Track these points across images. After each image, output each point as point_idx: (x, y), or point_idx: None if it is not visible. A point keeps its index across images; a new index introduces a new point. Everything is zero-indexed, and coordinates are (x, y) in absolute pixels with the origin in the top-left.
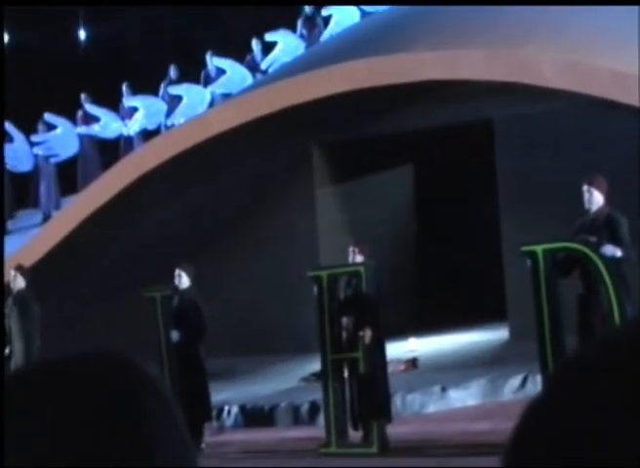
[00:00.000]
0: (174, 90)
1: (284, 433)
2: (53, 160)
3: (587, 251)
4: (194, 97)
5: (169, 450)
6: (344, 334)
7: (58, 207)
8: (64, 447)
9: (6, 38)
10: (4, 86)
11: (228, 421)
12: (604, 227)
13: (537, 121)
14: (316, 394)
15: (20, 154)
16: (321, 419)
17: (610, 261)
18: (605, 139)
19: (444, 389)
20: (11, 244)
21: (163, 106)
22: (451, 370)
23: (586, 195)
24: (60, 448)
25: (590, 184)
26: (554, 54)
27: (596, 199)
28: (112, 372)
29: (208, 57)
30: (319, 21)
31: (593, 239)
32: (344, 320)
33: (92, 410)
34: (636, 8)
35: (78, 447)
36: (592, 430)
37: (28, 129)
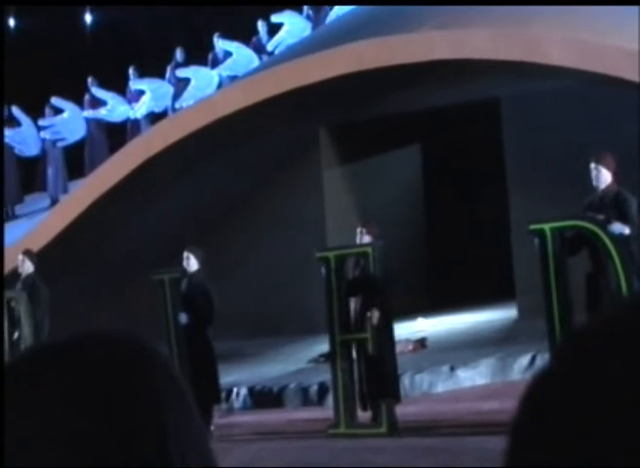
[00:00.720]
0: (181, 72)
1: (293, 414)
2: (60, 144)
3: (595, 228)
4: (202, 80)
5: (181, 430)
6: (353, 315)
7: (65, 191)
8: (74, 429)
9: (12, 22)
10: (4, 81)
11: (237, 403)
12: (612, 205)
13: (544, 99)
14: (325, 375)
15: (27, 138)
16: (330, 400)
17: (618, 239)
18: (613, 117)
19: (453, 369)
20: (19, 228)
21: (170, 89)
22: (459, 350)
23: (594, 173)
24: (69, 430)
25: (598, 162)
26: (562, 32)
27: (604, 177)
28: (122, 352)
29: (215, 39)
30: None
31: (601, 217)
32: (352, 301)
33: (102, 390)
34: None
35: (88, 428)
36: (600, 401)
37: (36, 113)
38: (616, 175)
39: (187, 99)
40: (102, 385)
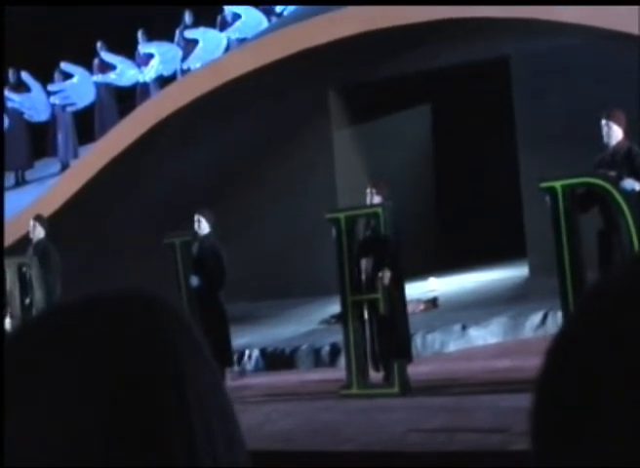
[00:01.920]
0: (190, 33)
1: (305, 375)
2: (70, 109)
3: (607, 185)
4: (210, 42)
5: (198, 382)
6: (364, 276)
7: (75, 156)
8: (93, 389)
9: None
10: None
11: (249, 365)
12: (624, 161)
13: (553, 56)
14: (336, 336)
15: (37, 104)
16: (342, 361)
17: (630, 195)
18: (623, 73)
19: (464, 328)
20: (29, 193)
21: (178, 52)
22: (471, 309)
23: (605, 129)
24: (87, 391)
25: (609, 118)
26: None
27: (615, 133)
28: (141, 309)
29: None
30: None
31: (613, 173)
32: (363, 261)
33: (120, 345)
34: None
35: (105, 383)
36: (622, 356)
37: (45, 78)
38: (627, 132)
39: (195, 61)
40: (120, 340)
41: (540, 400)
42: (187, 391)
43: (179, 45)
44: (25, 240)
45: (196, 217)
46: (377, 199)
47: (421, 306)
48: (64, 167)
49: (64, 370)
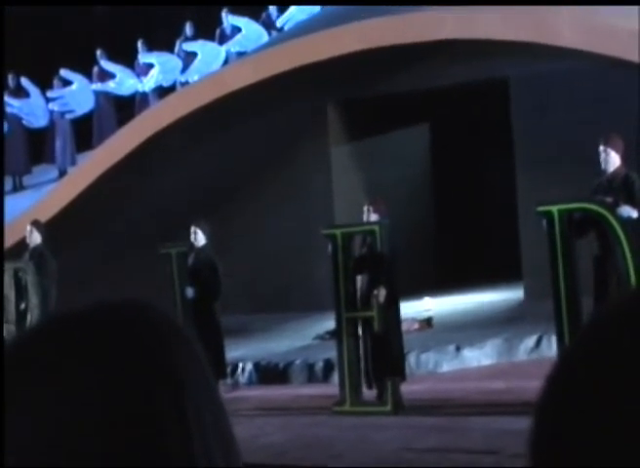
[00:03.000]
0: (188, 46)
1: (298, 390)
2: (68, 116)
3: (604, 211)
4: (209, 54)
5: (198, 396)
6: (359, 293)
7: (73, 163)
8: (91, 400)
9: None
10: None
11: (243, 378)
12: (621, 188)
13: (553, 80)
14: (331, 352)
15: (35, 109)
16: (335, 377)
17: (626, 222)
18: (622, 99)
19: (459, 348)
20: (27, 199)
21: (178, 63)
22: (466, 330)
23: (603, 155)
24: (86, 403)
25: (607, 144)
26: (570, 13)
27: (613, 159)
28: (139, 319)
29: (224, 14)
30: None
31: (610, 200)
32: (359, 278)
33: (120, 359)
34: None
35: (108, 399)
36: (623, 385)
37: (44, 84)
38: (624, 158)
39: (193, 74)
40: (120, 350)
41: (540, 425)
42: (185, 400)
43: (179, 56)
44: (22, 245)
45: (192, 229)
46: (373, 216)
47: (416, 325)
48: (62, 173)
49: (65, 377)
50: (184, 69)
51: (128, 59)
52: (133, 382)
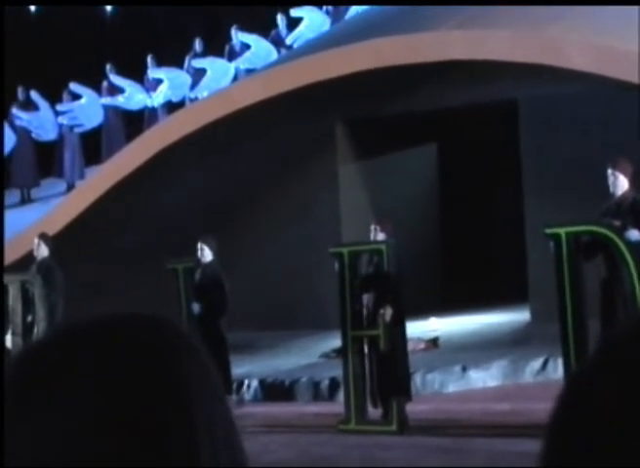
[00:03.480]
0: (197, 63)
1: (303, 408)
2: (77, 130)
3: (611, 234)
4: (218, 71)
5: (209, 411)
6: (365, 312)
7: (82, 176)
8: (96, 413)
9: (32, 7)
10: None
11: (248, 395)
12: (629, 211)
13: (561, 102)
14: (336, 370)
15: (45, 123)
16: (341, 396)
17: (634, 246)
18: (630, 122)
19: (464, 369)
20: (34, 212)
21: (187, 79)
22: (472, 351)
23: (611, 179)
24: (91, 415)
25: (615, 168)
26: (581, 36)
27: (621, 183)
28: (150, 331)
29: (233, 31)
30: None
31: (618, 223)
32: (365, 297)
33: (129, 372)
34: None
35: (118, 410)
36: (636, 407)
37: (53, 98)
38: (633, 181)
39: (202, 90)
40: (131, 362)
41: (551, 446)
42: (195, 413)
43: (188, 72)
44: (29, 258)
45: (199, 245)
46: (380, 236)
47: (422, 345)
48: (70, 187)
49: (72, 389)
50: (194, 85)
51: (137, 74)
52: (142, 396)
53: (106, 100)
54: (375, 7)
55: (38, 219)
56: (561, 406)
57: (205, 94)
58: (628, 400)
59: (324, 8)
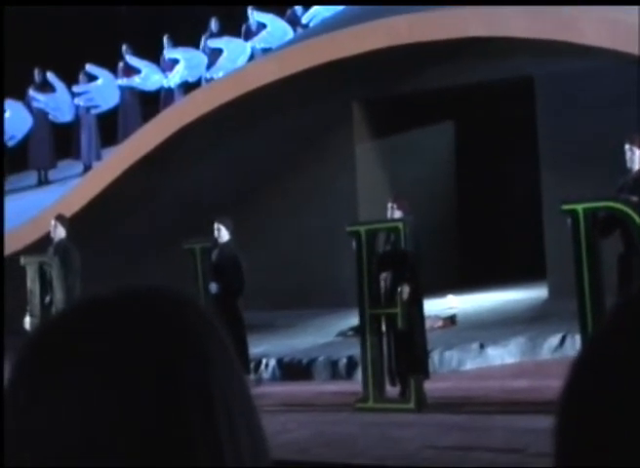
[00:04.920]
0: (213, 43)
1: (321, 387)
2: (94, 111)
3: (629, 210)
4: (234, 51)
5: (227, 390)
6: (383, 290)
7: (98, 158)
8: (122, 384)
9: None
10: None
11: (266, 374)
12: None
13: (578, 78)
14: (354, 349)
15: (61, 104)
16: (358, 374)
17: None
18: None
19: (482, 346)
20: (51, 193)
21: (204, 59)
22: (489, 328)
23: (628, 154)
24: (116, 386)
25: (632, 143)
26: (595, 12)
27: (638, 158)
28: (171, 307)
29: (249, 11)
30: None
31: (635, 199)
32: (383, 275)
33: (151, 346)
34: None
35: (137, 387)
36: None
37: (70, 79)
38: None
39: (218, 70)
40: (151, 338)
41: (564, 421)
42: (214, 391)
43: (204, 52)
44: (46, 239)
45: (216, 226)
46: (397, 214)
47: (440, 322)
48: (87, 168)
49: (96, 362)
50: (210, 65)
51: (153, 55)
52: (162, 372)
53: (123, 81)
54: None
55: (55, 201)
56: (572, 375)
57: (221, 74)
58: (636, 374)
59: None
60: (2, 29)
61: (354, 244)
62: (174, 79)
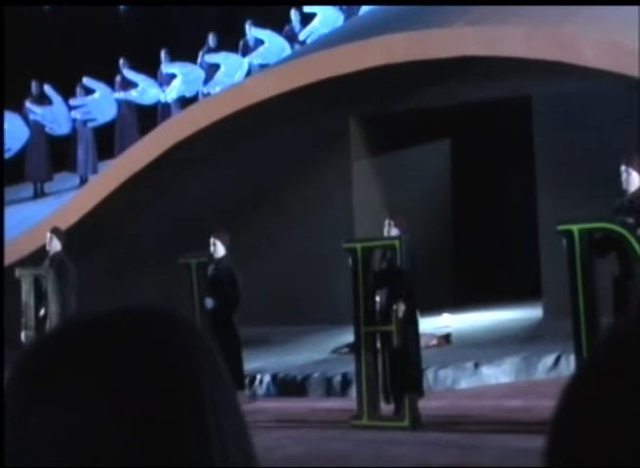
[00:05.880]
0: (211, 58)
1: (316, 403)
2: (90, 124)
3: (624, 232)
4: (231, 66)
5: (219, 407)
6: (378, 307)
7: (95, 171)
8: (113, 405)
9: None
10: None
11: (261, 390)
12: None
13: (575, 99)
14: (349, 366)
15: (58, 117)
16: (353, 391)
17: None
18: None
19: (477, 365)
20: (47, 206)
21: (201, 74)
22: (484, 347)
23: (624, 175)
24: (107, 407)
25: (628, 165)
26: (595, 33)
27: (634, 180)
28: (164, 325)
29: (247, 26)
30: None
31: (630, 220)
32: (378, 293)
33: (144, 363)
34: None
35: (129, 403)
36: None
37: (67, 92)
38: None
39: (215, 85)
40: (144, 356)
41: (555, 439)
42: (205, 407)
43: (202, 67)
44: (42, 252)
45: (212, 240)
46: (394, 231)
47: (434, 340)
48: (83, 181)
49: (87, 381)
50: (207, 80)
51: (151, 69)
52: (152, 389)
53: (120, 95)
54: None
55: (51, 214)
56: (564, 398)
57: (218, 89)
58: (632, 391)
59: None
60: (2, 29)
61: (350, 261)
62: (171, 94)
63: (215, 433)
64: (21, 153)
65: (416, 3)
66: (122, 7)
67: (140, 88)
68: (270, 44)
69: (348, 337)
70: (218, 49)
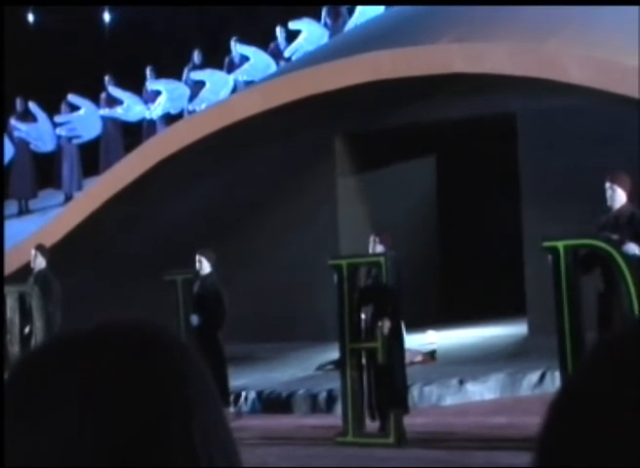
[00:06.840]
0: (196, 75)
1: (301, 420)
2: (75, 141)
3: (609, 248)
4: (216, 83)
5: (205, 419)
6: (363, 324)
7: (79, 188)
8: (100, 420)
9: (31, 18)
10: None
11: (246, 407)
12: (626, 225)
13: (560, 115)
14: (334, 383)
15: (43, 134)
16: (338, 408)
17: (631, 260)
18: (628, 136)
19: (462, 382)
20: (32, 223)
21: (186, 91)
22: (469, 364)
23: (609, 192)
24: (94, 422)
25: (613, 182)
26: (579, 50)
27: (619, 197)
28: (151, 341)
29: (232, 43)
30: (344, 11)
31: (615, 237)
32: (364, 309)
33: (130, 380)
34: None
35: (116, 418)
36: (627, 415)
37: (52, 109)
38: (630, 195)
39: (201, 102)
40: (130, 372)
41: (542, 455)
42: (193, 424)
43: (187, 83)
44: (27, 269)
45: (197, 257)
46: (379, 248)
47: (419, 357)
48: (68, 198)
49: (72, 400)
50: (192, 97)
51: (136, 86)
52: (140, 404)
53: (105, 112)
54: (373, 19)
55: (36, 231)
56: (551, 415)
57: (203, 106)
58: (618, 406)
59: (322, 20)
60: (2, 30)
61: (335, 277)
62: (156, 110)
63: (203, 452)
64: (6, 170)
65: (416, 3)
66: (107, 23)
67: (125, 105)
68: (256, 61)
69: (334, 354)
70: (203, 66)
